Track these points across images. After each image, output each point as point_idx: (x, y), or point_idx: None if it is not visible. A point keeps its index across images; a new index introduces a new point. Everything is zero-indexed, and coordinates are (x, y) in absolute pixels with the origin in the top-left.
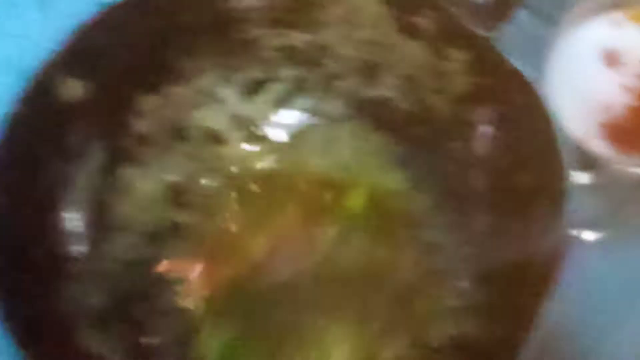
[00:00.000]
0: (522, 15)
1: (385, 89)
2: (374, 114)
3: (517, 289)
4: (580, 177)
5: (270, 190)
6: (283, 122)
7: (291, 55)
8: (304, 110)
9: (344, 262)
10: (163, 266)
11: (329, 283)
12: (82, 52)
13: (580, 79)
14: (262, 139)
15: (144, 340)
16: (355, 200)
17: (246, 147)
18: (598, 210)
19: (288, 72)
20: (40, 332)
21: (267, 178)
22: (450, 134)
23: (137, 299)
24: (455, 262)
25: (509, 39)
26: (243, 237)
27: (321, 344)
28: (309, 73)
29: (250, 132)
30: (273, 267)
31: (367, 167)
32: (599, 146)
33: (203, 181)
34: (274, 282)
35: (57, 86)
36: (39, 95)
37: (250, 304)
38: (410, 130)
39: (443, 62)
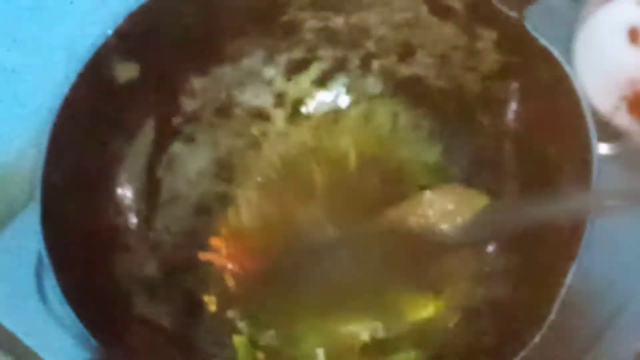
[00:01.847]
0: None
1: (420, 67)
2: (409, 91)
3: (544, 254)
4: (607, 149)
5: (310, 165)
6: (324, 99)
7: (331, 36)
8: (344, 88)
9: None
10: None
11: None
12: (135, 35)
13: (606, 56)
14: (304, 116)
15: (194, 307)
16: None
17: (289, 124)
18: (622, 179)
19: (328, 53)
20: (97, 301)
21: (308, 153)
22: (481, 109)
23: (186, 268)
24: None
25: (538, 19)
26: (283, 210)
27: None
28: (348, 53)
29: (293, 110)
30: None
31: (404, 141)
32: (624, 119)
33: (249, 156)
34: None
35: (112, 67)
36: (95, 76)
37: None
38: (443, 106)
39: (474, 41)
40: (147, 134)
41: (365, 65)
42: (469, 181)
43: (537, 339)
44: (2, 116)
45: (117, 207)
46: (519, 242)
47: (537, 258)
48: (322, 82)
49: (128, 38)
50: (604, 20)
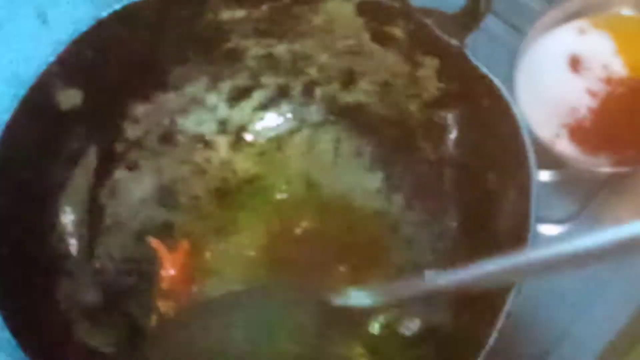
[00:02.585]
0: (491, 24)
1: (363, 94)
2: (352, 118)
3: None
4: (548, 176)
5: (254, 192)
6: (267, 126)
7: (274, 63)
8: (287, 115)
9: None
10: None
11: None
12: (78, 62)
13: (547, 84)
14: (248, 143)
15: (136, 333)
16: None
17: (232, 151)
18: (563, 206)
19: (271, 80)
20: (38, 327)
21: (251, 180)
22: (423, 136)
23: (128, 295)
24: (428, 256)
25: (479, 47)
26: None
27: None
28: (291, 80)
29: (237, 137)
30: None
31: (347, 168)
32: (565, 147)
33: (191, 184)
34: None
35: (54, 94)
36: (37, 102)
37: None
38: (385, 133)
39: (416, 69)
40: (90, 160)
41: (308, 93)
42: (410, 207)
43: None
44: None
45: (59, 233)
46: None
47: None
48: (265, 109)
49: (71, 65)
50: (545, 48)
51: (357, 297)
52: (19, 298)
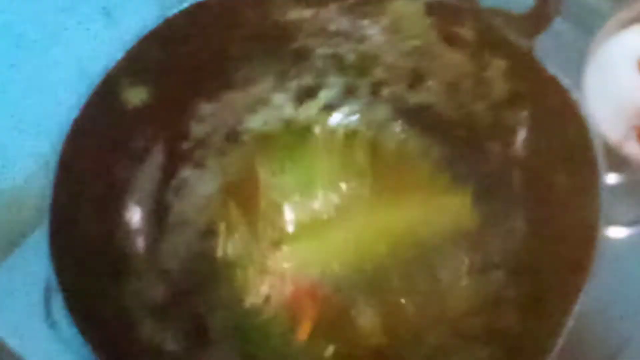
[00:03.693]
0: (560, 25)
1: (429, 95)
2: (418, 119)
3: (551, 283)
4: (615, 178)
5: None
6: (333, 126)
7: (341, 63)
8: (353, 115)
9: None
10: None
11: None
12: (145, 60)
13: (615, 85)
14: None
15: (201, 331)
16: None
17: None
18: (631, 209)
19: (338, 79)
20: (104, 324)
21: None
22: (490, 137)
23: (193, 292)
24: (493, 257)
25: (548, 48)
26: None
27: None
28: (358, 80)
29: (302, 136)
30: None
31: (413, 168)
32: (633, 149)
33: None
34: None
35: (122, 92)
36: (105, 99)
37: None
38: (452, 134)
39: (483, 69)
40: (156, 158)
41: (374, 92)
42: (477, 209)
43: None
44: (11, 140)
45: (126, 230)
46: (527, 269)
47: (545, 286)
48: (331, 108)
49: (138, 62)
50: (614, 49)
51: None
52: (85, 296)
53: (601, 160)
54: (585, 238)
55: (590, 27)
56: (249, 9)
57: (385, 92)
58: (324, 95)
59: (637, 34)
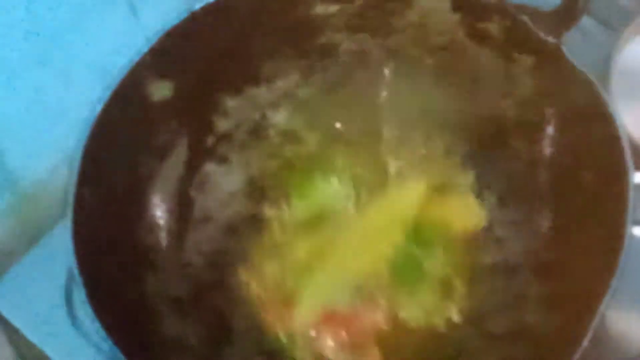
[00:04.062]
0: (587, 24)
1: (455, 91)
2: (444, 115)
3: (577, 283)
4: None
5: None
6: (358, 122)
7: (366, 59)
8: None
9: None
10: None
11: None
12: (170, 54)
13: None
14: (337, 139)
15: (223, 327)
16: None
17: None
18: None
19: (363, 75)
20: (127, 318)
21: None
22: (516, 135)
23: (216, 288)
24: (520, 256)
25: (575, 46)
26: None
27: None
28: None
29: (326, 132)
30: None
31: (439, 166)
32: None
33: (281, 177)
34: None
35: (147, 86)
36: (128, 94)
37: None
38: (478, 131)
39: (510, 66)
40: (180, 153)
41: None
42: (503, 206)
43: None
44: (35, 133)
45: (149, 225)
46: (552, 268)
47: (571, 285)
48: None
49: (162, 57)
50: None
51: None
52: (108, 289)
53: (629, 159)
54: (611, 237)
55: (617, 25)
56: (274, 2)
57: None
58: (350, 91)
59: None
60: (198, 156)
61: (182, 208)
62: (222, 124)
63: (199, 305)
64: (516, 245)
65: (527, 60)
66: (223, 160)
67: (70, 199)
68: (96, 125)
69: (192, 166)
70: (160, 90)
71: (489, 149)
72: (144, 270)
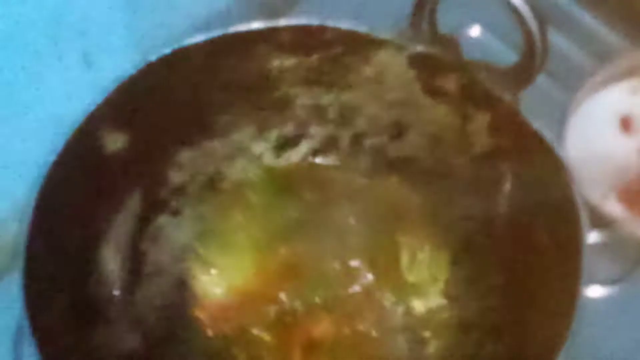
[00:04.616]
0: (543, 81)
1: (412, 147)
2: (400, 171)
3: (530, 342)
4: (595, 237)
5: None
6: (313, 176)
7: (322, 113)
8: (334, 165)
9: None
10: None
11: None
12: (124, 105)
13: (597, 144)
14: (293, 193)
15: None
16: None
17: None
18: (610, 269)
19: (319, 130)
20: None
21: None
22: (472, 191)
23: (168, 342)
24: (473, 313)
25: (531, 103)
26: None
27: None
28: (339, 131)
29: (281, 186)
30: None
31: (392, 220)
32: (614, 208)
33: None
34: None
35: (101, 137)
36: (83, 145)
37: None
38: (434, 186)
39: (466, 123)
40: (133, 205)
41: (356, 144)
42: (456, 263)
43: None
44: None
45: (100, 278)
46: (505, 327)
47: (523, 345)
48: (311, 158)
49: (117, 108)
50: (596, 107)
51: None
52: (58, 343)
53: (583, 219)
54: (565, 297)
55: (573, 83)
56: (231, 56)
57: (367, 143)
58: (305, 146)
59: (619, 93)
60: (151, 209)
61: (135, 261)
62: (176, 177)
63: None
64: (470, 303)
65: (483, 117)
66: (176, 213)
67: (21, 250)
68: (48, 176)
69: (145, 219)
70: (115, 142)
71: (444, 205)
72: (95, 323)
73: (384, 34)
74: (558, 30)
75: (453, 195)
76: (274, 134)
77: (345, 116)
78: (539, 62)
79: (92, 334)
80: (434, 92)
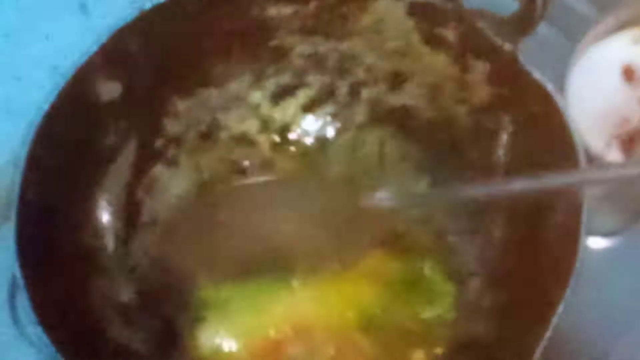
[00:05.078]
0: (544, 30)
1: (410, 97)
2: (398, 121)
3: (530, 293)
4: (595, 188)
5: (294, 193)
6: (310, 127)
7: (320, 62)
8: (331, 116)
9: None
10: None
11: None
12: (119, 53)
13: (599, 93)
14: (289, 143)
15: (169, 332)
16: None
17: (274, 150)
18: (612, 219)
19: (316, 79)
20: (70, 323)
21: (292, 180)
22: (471, 142)
23: (164, 294)
24: (472, 265)
25: (531, 53)
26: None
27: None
28: (337, 80)
29: (279, 136)
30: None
31: (391, 172)
32: (616, 158)
33: (231, 181)
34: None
35: (96, 86)
36: (76, 94)
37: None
38: (432, 138)
39: (466, 73)
40: (128, 155)
41: (353, 93)
42: (455, 215)
43: None
44: None
45: (95, 228)
46: (506, 279)
47: (524, 295)
48: (309, 109)
49: (112, 56)
50: (598, 57)
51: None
52: (52, 293)
53: (584, 168)
54: (565, 248)
55: (575, 33)
56: (227, 3)
57: (365, 93)
58: (302, 95)
59: (622, 42)
60: (146, 158)
61: (130, 211)
62: (172, 126)
63: (145, 310)
64: (469, 254)
65: (482, 66)
66: (172, 163)
67: (15, 200)
68: (42, 125)
69: (140, 169)
70: (109, 91)
71: (443, 156)
72: (90, 274)
73: None
74: None
75: (452, 145)
76: (271, 83)
77: (343, 65)
78: (539, 11)
79: (86, 285)
80: (433, 41)
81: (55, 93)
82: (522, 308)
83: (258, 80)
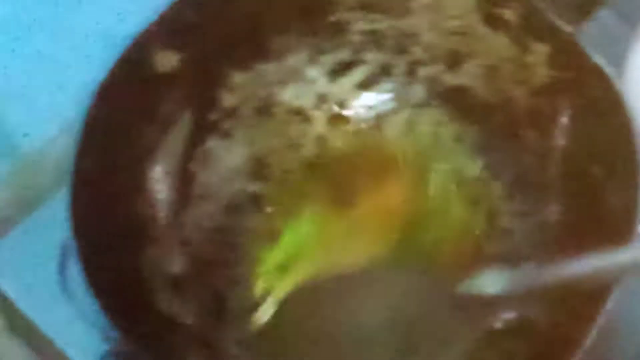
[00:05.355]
0: (604, 14)
1: (467, 78)
2: (454, 102)
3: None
4: None
5: (348, 170)
6: (366, 104)
7: (378, 39)
8: (388, 94)
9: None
10: None
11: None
12: (177, 24)
13: None
14: (345, 120)
15: (219, 306)
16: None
17: (329, 127)
18: None
19: (374, 56)
20: (121, 292)
21: (346, 157)
22: (528, 125)
23: (215, 266)
24: (525, 249)
25: (591, 36)
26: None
27: None
28: (395, 58)
29: (334, 113)
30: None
31: (446, 152)
32: None
33: (284, 157)
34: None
35: (152, 56)
36: (133, 63)
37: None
38: (488, 119)
39: (525, 54)
40: (183, 126)
41: (411, 72)
42: (510, 197)
43: None
44: (35, 101)
45: (148, 198)
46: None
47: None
48: (365, 86)
49: (171, 26)
50: None
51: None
52: (103, 262)
53: None
54: (620, 233)
55: (635, 18)
56: None
57: (422, 72)
58: (359, 72)
59: None
60: (201, 131)
61: (183, 182)
62: (228, 99)
63: (195, 283)
64: (523, 237)
65: (542, 48)
66: (227, 136)
67: (69, 168)
68: (98, 94)
69: (195, 141)
70: (167, 61)
71: (499, 138)
72: (141, 244)
73: None
74: None
75: (509, 127)
76: (328, 59)
77: (401, 43)
78: None
79: (137, 255)
80: (493, 22)
81: (111, 63)
82: (575, 293)
83: (316, 55)
